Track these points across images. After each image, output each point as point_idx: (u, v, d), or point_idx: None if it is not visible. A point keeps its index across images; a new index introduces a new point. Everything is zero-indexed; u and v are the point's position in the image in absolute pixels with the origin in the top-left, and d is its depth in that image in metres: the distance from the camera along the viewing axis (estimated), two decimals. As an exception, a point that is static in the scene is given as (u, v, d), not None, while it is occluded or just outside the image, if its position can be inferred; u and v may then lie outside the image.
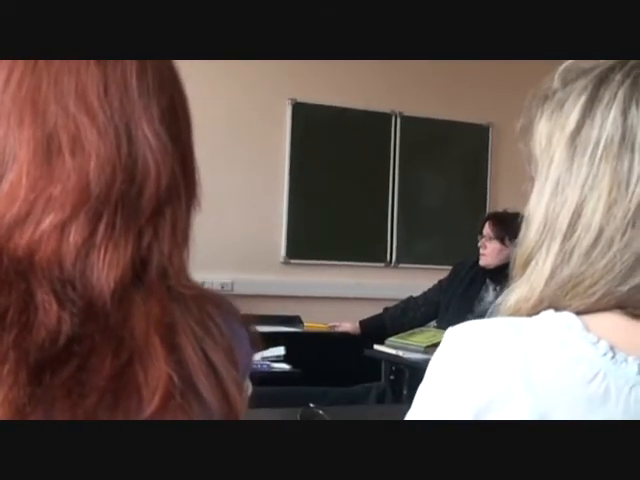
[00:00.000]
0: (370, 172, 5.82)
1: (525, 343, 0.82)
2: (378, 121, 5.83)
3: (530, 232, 0.91)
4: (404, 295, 4.60)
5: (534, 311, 0.88)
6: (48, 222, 0.77)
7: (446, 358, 0.85)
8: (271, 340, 4.29)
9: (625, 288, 0.84)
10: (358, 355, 3.84)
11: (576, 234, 0.86)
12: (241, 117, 5.55)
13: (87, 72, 0.81)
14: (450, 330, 0.87)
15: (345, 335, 4.47)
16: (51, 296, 0.75)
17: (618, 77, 0.88)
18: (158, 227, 0.82)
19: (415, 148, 5.89)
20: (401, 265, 5.84)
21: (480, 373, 0.82)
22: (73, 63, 0.80)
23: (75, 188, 0.78)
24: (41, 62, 0.80)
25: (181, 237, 0.85)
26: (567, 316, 0.84)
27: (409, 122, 5.89)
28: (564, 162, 0.89)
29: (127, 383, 0.75)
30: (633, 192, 0.85)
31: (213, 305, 0.85)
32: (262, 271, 5.65)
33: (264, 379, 2.99)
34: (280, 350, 3.18)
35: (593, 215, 0.86)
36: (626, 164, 0.85)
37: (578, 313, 0.85)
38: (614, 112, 0.87)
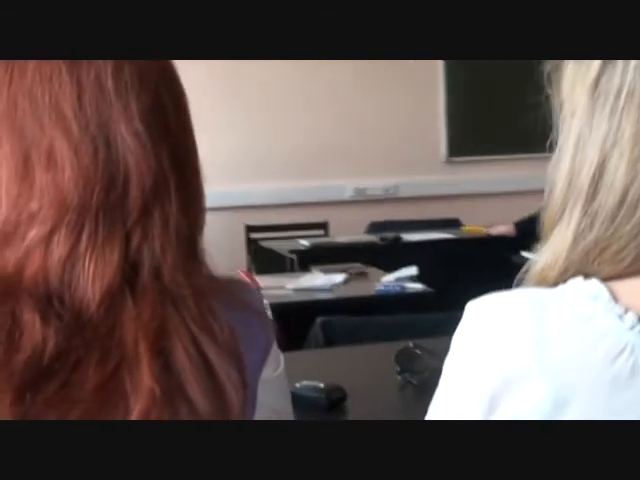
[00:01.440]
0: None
1: (544, 321, 0.78)
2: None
3: (555, 192, 0.85)
4: (574, 186, 4.37)
5: (561, 279, 0.82)
6: (31, 238, 0.79)
7: (464, 337, 0.82)
8: (425, 248, 4.30)
9: None
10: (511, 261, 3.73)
11: (599, 196, 0.80)
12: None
13: (60, 80, 0.81)
14: (469, 305, 0.83)
15: (501, 239, 4.35)
16: (36, 314, 0.77)
17: None
18: (147, 227, 0.82)
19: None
20: (570, 153, 5.56)
21: (494, 354, 0.78)
22: (45, 71, 0.81)
23: (53, 202, 0.79)
24: (15, 75, 0.81)
25: (175, 234, 0.84)
26: (593, 285, 0.79)
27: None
28: (585, 115, 0.82)
29: (113, 393, 0.77)
30: None
31: (218, 298, 0.85)
32: (425, 172, 5.59)
33: (396, 302, 2.99)
34: (412, 270, 3.15)
35: (615, 174, 0.79)
36: None
37: (609, 279, 0.79)
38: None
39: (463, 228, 4.82)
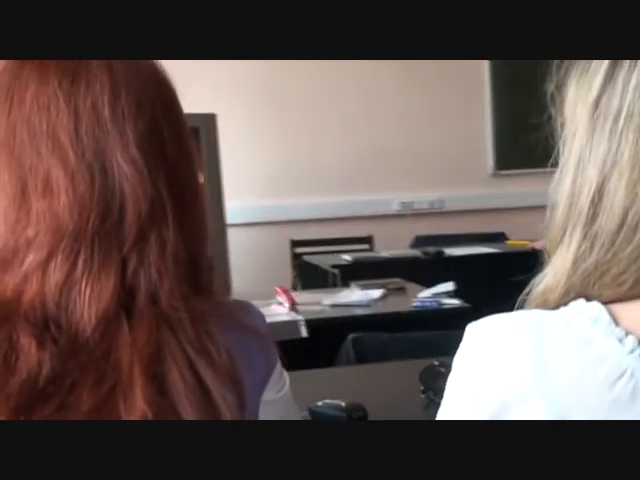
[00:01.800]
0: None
1: (543, 343, 0.78)
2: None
3: (556, 215, 0.85)
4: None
5: (562, 301, 0.82)
6: (29, 263, 0.81)
7: (464, 358, 0.82)
8: (467, 263, 4.26)
9: None
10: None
11: (598, 219, 0.79)
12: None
13: (57, 109, 0.83)
14: (469, 326, 0.84)
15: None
16: (32, 338, 0.79)
17: None
18: (143, 253, 0.84)
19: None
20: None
21: (493, 376, 0.79)
22: (43, 100, 0.83)
23: (49, 229, 0.82)
24: (15, 103, 0.84)
25: (172, 259, 0.85)
26: (594, 308, 0.79)
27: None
28: (585, 135, 0.82)
29: (107, 416, 0.78)
30: None
31: (217, 321, 0.86)
32: (471, 185, 5.55)
33: (432, 319, 2.97)
34: (449, 286, 3.13)
35: (615, 197, 0.78)
36: None
37: (611, 302, 0.79)
38: (636, 77, 0.78)
39: (508, 242, 4.77)
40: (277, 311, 3.02)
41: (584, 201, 0.80)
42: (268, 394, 0.91)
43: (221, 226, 4.35)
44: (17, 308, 0.81)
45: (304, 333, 2.80)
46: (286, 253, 5.17)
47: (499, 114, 5.54)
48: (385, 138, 5.46)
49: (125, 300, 0.83)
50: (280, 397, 0.94)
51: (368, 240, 5.16)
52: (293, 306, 3.04)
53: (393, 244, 4.84)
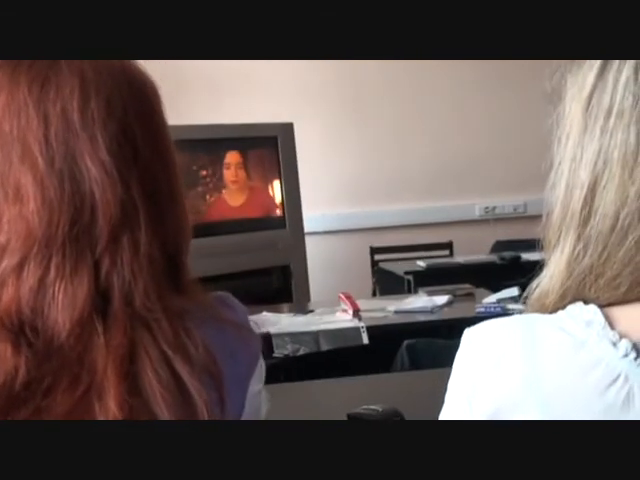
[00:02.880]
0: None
1: (537, 348, 0.77)
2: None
3: (552, 217, 0.84)
4: None
5: (560, 304, 0.81)
6: (3, 269, 0.83)
7: (459, 365, 0.83)
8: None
9: None
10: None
11: (591, 221, 0.78)
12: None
13: (27, 116, 0.84)
14: (466, 332, 0.84)
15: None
16: (8, 343, 0.81)
17: None
18: (116, 255, 0.84)
19: None
20: None
21: (486, 383, 0.79)
22: (14, 108, 0.84)
23: (20, 235, 0.83)
24: None
25: (147, 260, 0.86)
26: (589, 311, 0.78)
27: None
28: (578, 135, 0.81)
29: (82, 418, 0.79)
30: None
31: (195, 317, 0.87)
32: (555, 189, 5.43)
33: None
34: (514, 291, 3.08)
35: (606, 198, 0.77)
36: (633, 136, 0.76)
37: (609, 304, 0.78)
38: (626, 73, 0.77)
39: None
40: (340, 318, 3.04)
41: (577, 202, 0.79)
42: (253, 387, 0.91)
43: (299, 234, 4.40)
44: None
45: (365, 340, 2.80)
46: (366, 260, 5.18)
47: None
48: (467, 142, 5.41)
49: (100, 302, 0.83)
50: (260, 389, 0.93)
51: (448, 246, 5.13)
52: (356, 313, 3.05)
53: (473, 249, 4.79)
